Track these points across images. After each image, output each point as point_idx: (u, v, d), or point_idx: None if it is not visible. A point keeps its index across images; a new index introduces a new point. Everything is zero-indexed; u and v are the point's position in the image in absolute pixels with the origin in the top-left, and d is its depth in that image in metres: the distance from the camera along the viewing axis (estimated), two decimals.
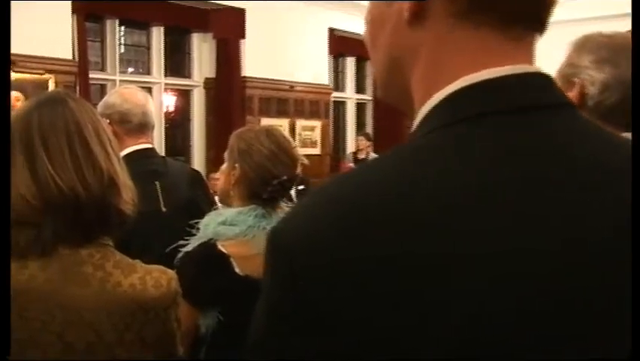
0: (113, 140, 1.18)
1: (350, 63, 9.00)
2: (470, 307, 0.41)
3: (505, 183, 0.45)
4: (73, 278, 1.07)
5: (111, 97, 2.30)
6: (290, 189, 1.76)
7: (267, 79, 7.34)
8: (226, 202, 1.79)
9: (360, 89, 9.25)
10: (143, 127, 2.24)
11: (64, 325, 1.04)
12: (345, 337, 0.43)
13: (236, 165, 1.74)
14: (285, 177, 1.71)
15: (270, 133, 1.76)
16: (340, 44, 8.29)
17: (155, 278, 1.13)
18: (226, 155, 1.79)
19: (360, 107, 9.30)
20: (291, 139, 1.81)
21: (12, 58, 5.21)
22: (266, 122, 6.86)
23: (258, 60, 7.17)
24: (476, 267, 0.42)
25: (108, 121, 2.13)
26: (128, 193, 1.15)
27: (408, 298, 0.42)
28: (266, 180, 1.70)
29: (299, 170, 1.77)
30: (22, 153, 1.09)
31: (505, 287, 0.41)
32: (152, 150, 2.27)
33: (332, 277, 0.43)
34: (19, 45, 5.27)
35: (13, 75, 5.28)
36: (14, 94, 5.29)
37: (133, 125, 2.21)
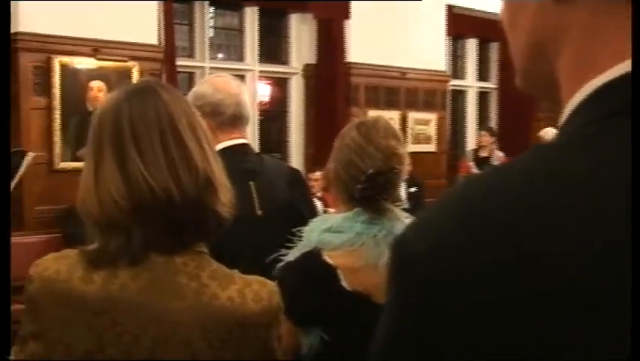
0: (209, 135, 1.21)
1: (471, 46, 8.81)
2: (592, 304, 0.45)
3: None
4: (167, 289, 1.11)
5: (202, 86, 2.34)
6: (385, 185, 1.72)
7: (375, 65, 7.29)
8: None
9: (482, 76, 9.02)
10: (236, 120, 2.26)
11: (156, 340, 1.08)
12: (472, 348, 0.47)
13: (332, 164, 1.78)
14: (372, 171, 1.68)
15: (363, 124, 1.77)
16: (460, 24, 8.13)
17: (254, 291, 1.14)
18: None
19: (483, 96, 9.09)
20: (397, 131, 1.80)
21: (94, 44, 5.48)
22: (373, 114, 6.80)
23: (365, 44, 7.13)
24: (599, 267, 0.46)
25: (200, 113, 2.16)
26: (225, 194, 1.17)
27: (533, 300, 0.46)
28: (354, 176, 1.71)
29: (407, 167, 1.77)
30: (111, 149, 1.13)
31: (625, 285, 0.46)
32: (246, 145, 2.30)
33: (455, 283, 0.48)
34: (101, 30, 5.54)
35: (95, 63, 5.54)
36: (96, 84, 5.55)
37: (225, 117, 2.24)
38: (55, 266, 1.14)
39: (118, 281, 1.10)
